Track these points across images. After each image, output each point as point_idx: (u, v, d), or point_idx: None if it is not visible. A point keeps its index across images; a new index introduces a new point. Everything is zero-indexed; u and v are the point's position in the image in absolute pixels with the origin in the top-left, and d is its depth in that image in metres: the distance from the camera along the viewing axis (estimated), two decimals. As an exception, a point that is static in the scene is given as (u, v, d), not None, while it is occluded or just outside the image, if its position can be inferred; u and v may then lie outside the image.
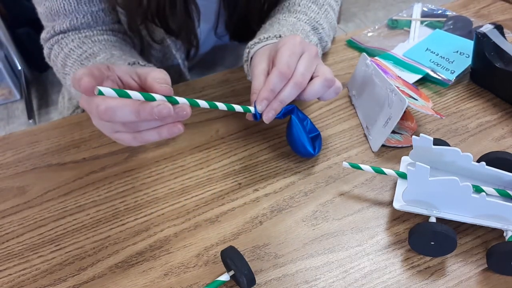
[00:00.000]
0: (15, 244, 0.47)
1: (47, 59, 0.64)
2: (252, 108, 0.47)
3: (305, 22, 0.60)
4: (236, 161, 0.54)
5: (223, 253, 0.41)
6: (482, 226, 0.44)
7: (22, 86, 1.87)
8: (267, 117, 0.46)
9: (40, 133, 0.60)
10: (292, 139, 0.51)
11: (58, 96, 0.84)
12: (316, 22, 0.61)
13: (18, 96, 1.87)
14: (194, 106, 0.42)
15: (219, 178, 0.52)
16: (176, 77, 0.73)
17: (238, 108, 0.46)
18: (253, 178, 0.52)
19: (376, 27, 0.74)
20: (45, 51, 0.63)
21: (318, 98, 0.49)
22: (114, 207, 0.50)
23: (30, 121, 1.74)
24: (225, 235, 0.46)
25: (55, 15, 0.59)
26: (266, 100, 0.46)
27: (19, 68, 1.88)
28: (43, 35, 0.62)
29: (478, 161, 0.47)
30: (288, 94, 0.46)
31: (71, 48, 0.58)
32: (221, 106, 0.44)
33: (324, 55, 0.70)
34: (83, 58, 0.56)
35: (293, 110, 0.50)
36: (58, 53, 0.60)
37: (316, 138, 0.52)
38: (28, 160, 0.56)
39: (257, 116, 0.47)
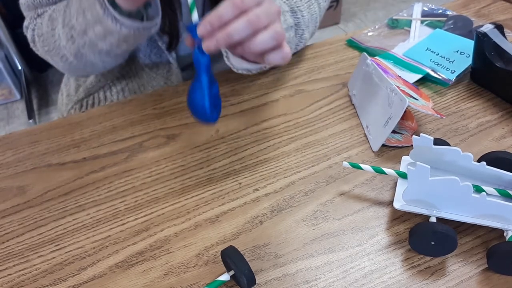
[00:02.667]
0: (15, 244, 0.47)
1: (32, 45, 0.63)
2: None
3: (284, 2, 0.59)
4: (236, 161, 0.54)
5: (223, 253, 0.41)
6: (483, 226, 0.44)
7: (22, 86, 1.87)
8: (207, 46, 0.42)
9: (40, 133, 0.60)
10: (194, 100, 0.47)
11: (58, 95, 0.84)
12: (296, 6, 0.60)
13: (18, 96, 1.87)
14: None
15: (219, 177, 0.52)
16: (169, 75, 0.73)
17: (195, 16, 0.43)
18: (253, 177, 0.52)
19: (376, 27, 0.74)
20: (29, 37, 0.62)
21: (264, 59, 0.46)
22: (114, 207, 0.50)
23: (30, 121, 1.75)
24: (225, 235, 0.46)
25: (38, 5, 0.59)
26: (210, 24, 0.42)
27: (19, 68, 1.89)
28: (25, 23, 0.62)
29: (479, 160, 0.47)
30: (237, 28, 0.42)
31: (53, 9, 0.58)
32: None
33: (324, 55, 0.70)
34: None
35: (207, 66, 0.46)
36: (41, 22, 0.59)
37: (216, 105, 0.49)
38: (28, 160, 0.56)
39: (196, 37, 0.43)
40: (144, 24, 0.53)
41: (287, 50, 0.47)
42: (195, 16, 0.44)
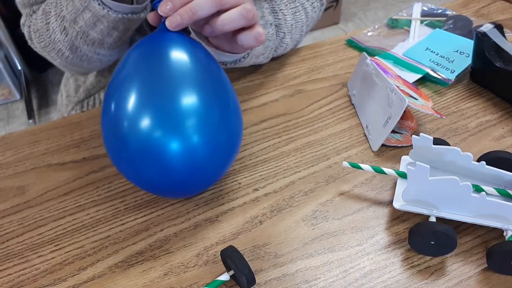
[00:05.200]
0: (15, 244, 0.47)
1: (29, 42, 0.63)
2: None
3: (266, 1, 0.58)
4: (236, 161, 0.54)
5: (223, 252, 0.41)
6: (482, 226, 0.44)
7: (22, 86, 1.87)
8: (170, 22, 0.41)
9: (40, 133, 0.60)
10: None
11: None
12: (278, 8, 0.59)
13: (18, 96, 1.87)
14: None
15: (219, 177, 0.52)
16: None
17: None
18: (253, 177, 0.52)
19: (376, 27, 0.74)
20: (26, 34, 0.62)
21: (237, 42, 0.45)
22: (114, 206, 0.50)
23: (30, 121, 1.75)
24: (224, 235, 0.46)
25: (33, 2, 0.59)
26: (171, 2, 0.41)
27: (19, 68, 1.89)
28: (22, 21, 0.62)
29: (478, 160, 0.47)
30: (201, 3, 0.41)
31: (46, 3, 0.58)
32: None
33: (324, 55, 0.70)
34: None
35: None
36: (36, 18, 0.59)
37: None
38: (28, 160, 0.56)
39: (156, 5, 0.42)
40: (132, 7, 0.52)
41: (259, 30, 0.45)
42: None
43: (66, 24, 0.55)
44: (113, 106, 0.33)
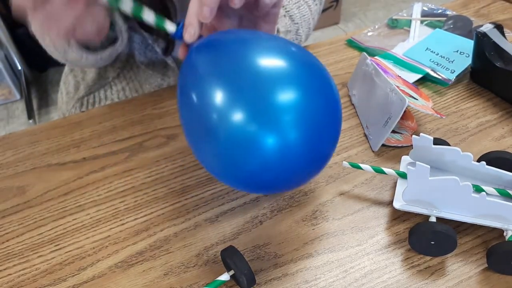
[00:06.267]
0: (15, 244, 0.47)
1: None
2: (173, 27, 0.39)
3: None
4: (236, 161, 0.54)
5: (223, 252, 0.41)
6: (482, 226, 0.44)
7: (22, 86, 1.87)
8: (204, 12, 0.38)
9: (40, 133, 0.60)
10: None
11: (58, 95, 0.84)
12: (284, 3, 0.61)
13: (18, 96, 1.87)
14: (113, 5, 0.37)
15: (219, 177, 0.52)
16: (165, 70, 0.72)
17: (169, 25, 0.39)
18: (253, 177, 0.52)
19: (376, 27, 0.74)
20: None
21: (260, 3, 0.43)
22: (114, 207, 0.50)
23: (30, 121, 1.75)
24: (225, 235, 0.46)
25: None
26: (191, 25, 0.39)
27: (19, 68, 1.88)
28: None
29: (478, 160, 0.47)
30: None
31: None
32: (148, 15, 0.38)
33: (324, 55, 0.70)
34: None
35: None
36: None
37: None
38: (28, 160, 0.56)
39: (178, 34, 0.40)
40: (106, 51, 0.57)
41: None
42: (170, 27, 0.40)
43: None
44: (197, 100, 0.31)
